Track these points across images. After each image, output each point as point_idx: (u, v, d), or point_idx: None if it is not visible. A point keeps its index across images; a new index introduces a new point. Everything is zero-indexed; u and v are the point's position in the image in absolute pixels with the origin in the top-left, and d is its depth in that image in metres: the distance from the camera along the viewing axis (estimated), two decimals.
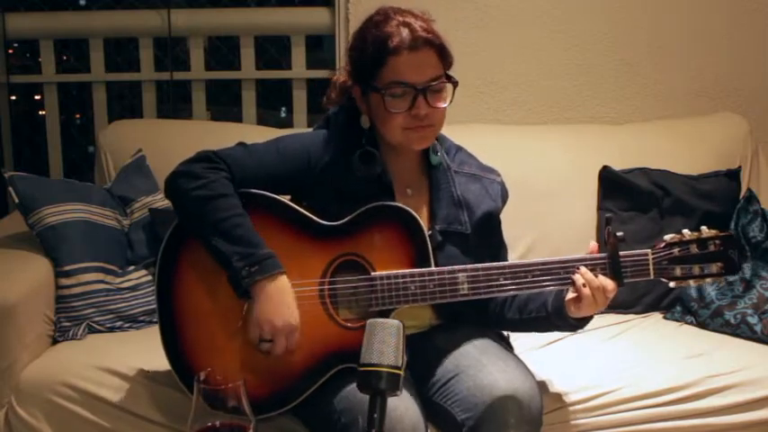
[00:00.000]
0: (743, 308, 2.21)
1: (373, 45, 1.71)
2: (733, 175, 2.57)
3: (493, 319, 1.88)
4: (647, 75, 2.93)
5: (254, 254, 1.65)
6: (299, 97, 3.09)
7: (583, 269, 1.67)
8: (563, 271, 1.69)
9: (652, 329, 2.28)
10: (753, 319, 2.18)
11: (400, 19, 1.72)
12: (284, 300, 1.65)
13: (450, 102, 1.76)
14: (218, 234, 1.67)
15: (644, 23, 2.89)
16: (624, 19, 2.89)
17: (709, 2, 2.90)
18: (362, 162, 1.78)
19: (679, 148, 2.65)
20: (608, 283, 1.66)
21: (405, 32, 1.69)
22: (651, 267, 1.70)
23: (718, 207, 2.47)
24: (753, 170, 2.69)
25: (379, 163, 1.79)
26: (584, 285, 1.65)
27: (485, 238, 1.85)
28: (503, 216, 1.93)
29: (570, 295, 1.68)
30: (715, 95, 2.95)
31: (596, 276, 1.66)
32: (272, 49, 3.35)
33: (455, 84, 1.76)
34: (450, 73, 1.76)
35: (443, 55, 1.74)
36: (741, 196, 2.51)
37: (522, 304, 1.82)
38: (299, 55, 3.06)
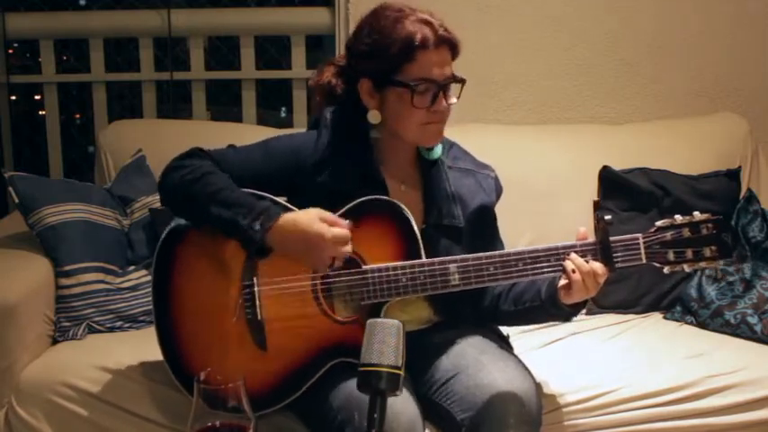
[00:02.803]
0: (743, 308, 2.21)
1: (400, 40, 1.71)
2: (733, 175, 2.57)
3: (489, 312, 1.88)
4: (647, 75, 2.93)
5: (254, 208, 1.67)
6: (299, 97, 3.09)
7: (573, 255, 1.67)
8: (553, 258, 1.68)
9: (652, 329, 2.28)
10: (753, 319, 2.18)
11: (419, 16, 1.74)
12: (302, 222, 1.65)
13: (458, 97, 1.78)
14: (216, 204, 1.68)
15: (644, 23, 2.90)
16: (624, 19, 2.89)
17: (710, 2, 2.90)
18: (365, 167, 1.79)
19: (679, 148, 2.65)
20: (598, 267, 1.65)
21: (427, 30, 1.72)
22: (642, 251, 1.69)
23: (718, 207, 2.46)
24: (753, 170, 2.69)
25: (377, 160, 1.80)
26: (573, 271, 1.65)
27: (479, 231, 1.85)
28: (501, 214, 1.93)
29: (562, 282, 1.68)
30: (715, 95, 2.96)
31: (587, 262, 1.66)
32: (272, 49, 3.35)
33: (463, 81, 1.78)
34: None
35: (455, 53, 1.78)
36: (741, 196, 2.51)
37: (517, 296, 1.82)
38: (299, 55, 3.06)
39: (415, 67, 1.72)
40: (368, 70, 1.77)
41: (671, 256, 1.69)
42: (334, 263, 1.67)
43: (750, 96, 2.96)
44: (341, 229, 1.66)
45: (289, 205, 1.75)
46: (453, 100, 1.77)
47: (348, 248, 1.67)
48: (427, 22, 1.73)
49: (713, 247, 1.69)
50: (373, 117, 1.79)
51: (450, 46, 1.75)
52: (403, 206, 1.74)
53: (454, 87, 1.77)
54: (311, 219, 1.66)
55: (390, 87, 1.74)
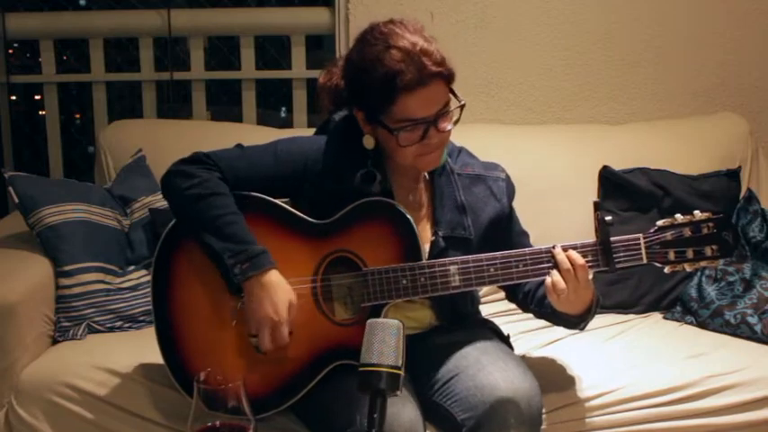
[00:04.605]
0: (743, 308, 2.21)
1: (381, 82, 1.64)
2: (733, 175, 2.57)
3: (522, 308, 1.94)
4: (647, 75, 2.93)
5: (245, 250, 1.66)
6: (299, 97, 3.08)
7: (556, 251, 1.67)
8: (553, 259, 1.68)
9: (652, 329, 2.28)
10: (753, 319, 2.18)
11: (402, 47, 1.64)
12: (270, 295, 1.66)
13: (457, 122, 1.72)
14: (210, 231, 1.68)
15: (644, 23, 2.90)
16: (624, 19, 2.89)
17: (710, 2, 2.90)
18: (363, 181, 1.76)
19: (679, 148, 2.65)
20: (574, 256, 1.66)
21: (412, 69, 1.62)
22: (643, 251, 1.69)
23: (718, 207, 2.46)
24: (753, 170, 2.69)
25: (380, 183, 1.77)
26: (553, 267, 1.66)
27: (494, 239, 1.84)
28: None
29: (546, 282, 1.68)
30: (715, 95, 2.96)
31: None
32: (272, 49, 3.35)
33: (462, 105, 1.71)
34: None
35: (450, 80, 1.70)
36: (741, 196, 2.51)
37: (540, 297, 1.83)
38: (298, 55, 3.06)
39: (398, 109, 1.65)
40: (356, 101, 1.75)
41: (672, 255, 1.69)
42: (255, 334, 1.68)
43: (750, 96, 2.96)
44: (286, 330, 1.67)
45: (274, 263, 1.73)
46: (448, 127, 1.71)
47: (269, 346, 1.67)
48: (412, 57, 1.63)
49: (714, 247, 1.68)
50: (367, 142, 1.76)
51: (442, 78, 1.66)
52: (402, 207, 1.73)
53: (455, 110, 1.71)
54: (286, 299, 1.67)
55: (380, 126, 1.71)
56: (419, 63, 1.63)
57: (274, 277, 1.67)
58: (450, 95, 1.71)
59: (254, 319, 1.67)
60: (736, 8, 2.90)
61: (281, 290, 1.67)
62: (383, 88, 1.65)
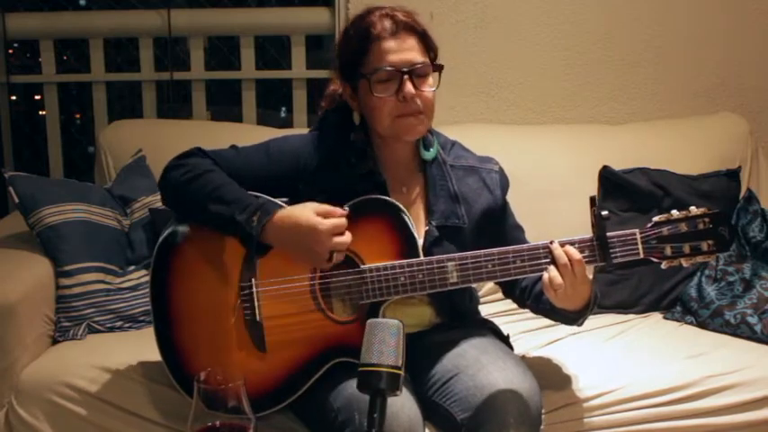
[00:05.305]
0: (743, 308, 2.21)
1: (357, 36, 1.77)
2: (733, 175, 2.57)
3: (519, 303, 1.94)
4: (647, 75, 2.93)
5: (251, 203, 1.69)
6: (299, 97, 3.09)
7: (554, 246, 1.68)
8: (551, 255, 1.69)
9: (652, 329, 2.28)
10: (753, 319, 2.18)
11: (383, 11, 1.78)
12: (294, 220, 1.67)
13: (437, 86, 1.78)
14: (213, 201, 1.70)
15: (644, 23, 2.90)
16: (624, 18, 2.89)
17: (710, 2, 2.90)
18: (356, 159, 1.79)
19: (679, 148, 2.65)
20: (571, 251, 1.66)
21: (386, 21, 1.76)
22: (640, 246, 1.69)
23: (718, 207, 2.45)
24: (753, 170, 2.69)
25: (371, 157, 1.80)
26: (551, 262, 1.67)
27: (486, 231, 1.85)
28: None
29: (543, 278, 1.68)
30: (715, 95, 2.96)
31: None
32: (272, 49, 3.35)
33: (439, 68, 1.79)
34: (440, 62, 1.80)
35: (426, 42, 1.79)
36: (741, 196, 2.51)
37: (538, 293, 1.83)
38: (298, 55, 3.06)
39: (372, 57, 1.75)
40: (344, 72, 1.82)
41: (668, 251, 1.70)
42: (332, 257, 1.67)
43: (750, 96, 2.96)
44: (335, 219, 1.67)
45: (285, 205, 1.75)
46: (427, 88, 1.77)
47: (345, 239, 1.67)
48: (388, 14, 1.77)
49: (710, 242, 1.69)
50: (355, 118, 1.83)
51: (414, 32, 1.77)
52: (399, 204, 1.74)
53: (434, 77, 1.78)
54: (306, 212, 1.67)
55: (359, 80, 1.78)
56: (393, 17, 1.76)
57: (285, 211, 1.68)
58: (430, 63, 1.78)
59: (310, 244, 1.65)
60: (736, 8, 2.91)
61: (299, 207, 1.69)
62: (360, 39, 1.76)
